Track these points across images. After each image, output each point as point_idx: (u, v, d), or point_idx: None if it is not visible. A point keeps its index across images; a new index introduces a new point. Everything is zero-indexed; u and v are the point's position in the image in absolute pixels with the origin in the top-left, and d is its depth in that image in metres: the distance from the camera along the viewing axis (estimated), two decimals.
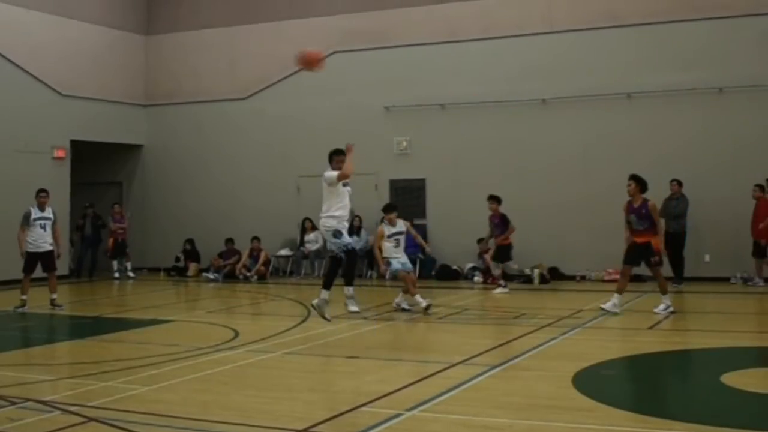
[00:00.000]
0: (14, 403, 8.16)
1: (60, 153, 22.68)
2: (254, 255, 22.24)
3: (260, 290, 19.90)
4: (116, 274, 22.96)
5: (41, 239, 15.74)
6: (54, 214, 16.21)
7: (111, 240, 23.36)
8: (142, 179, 25.35)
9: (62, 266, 22.32)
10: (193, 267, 23.27)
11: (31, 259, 15.68)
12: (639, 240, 14.02)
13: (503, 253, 18.13)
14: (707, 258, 19.27)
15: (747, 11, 19.28)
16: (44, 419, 7.64)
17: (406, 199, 21.81)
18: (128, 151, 25.32)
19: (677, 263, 18.31)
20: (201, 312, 15.52)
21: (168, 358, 10.53)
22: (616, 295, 14.04)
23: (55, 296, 16.12)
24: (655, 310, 13.95)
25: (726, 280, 18.82)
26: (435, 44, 21.91)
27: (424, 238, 21.49)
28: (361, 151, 21.95)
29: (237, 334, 12.44)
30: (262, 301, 18.56)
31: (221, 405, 8.18)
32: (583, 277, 20.01)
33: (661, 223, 15.18)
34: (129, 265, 23.36)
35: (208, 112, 24.49)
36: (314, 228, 22.18)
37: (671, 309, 13.97)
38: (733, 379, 8.84)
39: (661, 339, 12.28)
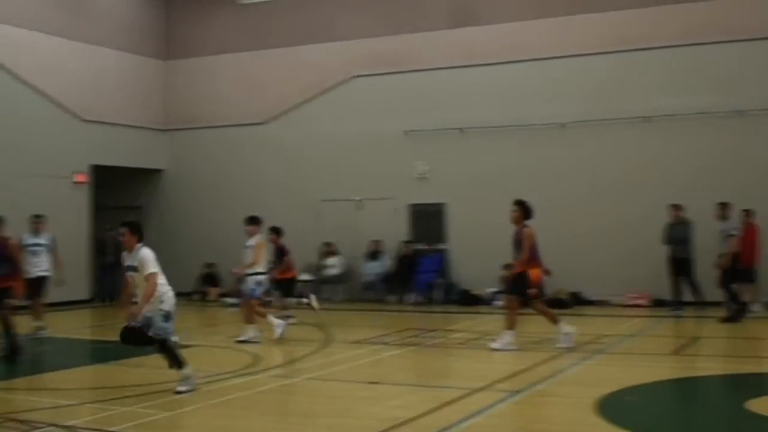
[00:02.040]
0: (37, 428, 8.19)
1: (80, 178, 22.79)
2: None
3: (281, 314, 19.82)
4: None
5: (32, 265, 15.37)
6: (52, 240, 16.11)
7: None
8: (161, 204, 25.42)
9: (84, 291, 22.52)
10: (213, 291, 23.27)
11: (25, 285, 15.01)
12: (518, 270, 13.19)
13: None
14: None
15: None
16: None
17: (426, 223, 21.81)
18: (148, 175, 25.43)
19: (693, 289, 18.04)
20: (221, 337, 15.49)
21: None
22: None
23: (39, 323, 15.72)
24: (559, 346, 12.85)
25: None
26: (454, 68, 21.90)
27: (444, 262, 21.50)
28: (381, 175, 22.23)
29: (257, 359, 12.43)
30: None
31: (241, 430, 8.18)
32: (604, 302, 19.85)
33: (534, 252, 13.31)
34: None
35: (227, 137, 24.58)
36: (334, 252, 22.21)
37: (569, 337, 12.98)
38: (757, 405, 8.76)
39: (683, 365, 12.20)
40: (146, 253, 9.75)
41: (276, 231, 17.15)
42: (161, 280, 9.73)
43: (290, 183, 23.51)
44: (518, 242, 13.16)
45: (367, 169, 22.54)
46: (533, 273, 13.02)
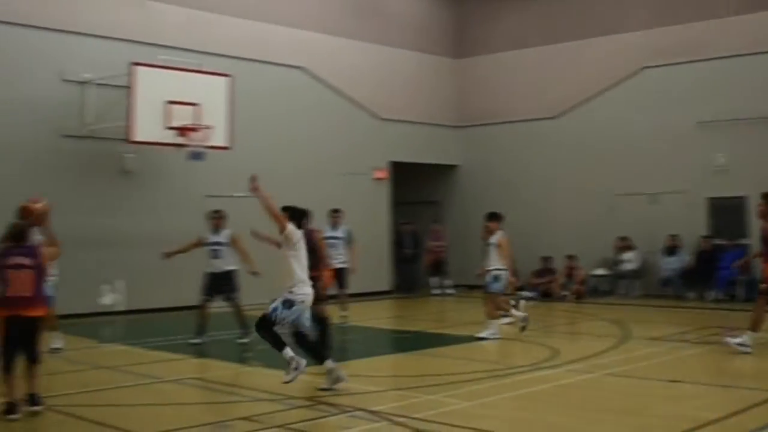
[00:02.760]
0: (345, 412, 8.66)
1: (380, 174, 23.76)
2: (570, 274, 22.11)
3: (577, 310, 19.74)
4: (436, 291, 23.60)
5: (331, 257, 14.83)
6: (348, 232, 16.63)
7: (429, 258, 24.09)
8: (458, 198, 25.93)
9: (385, 282, 23.45)
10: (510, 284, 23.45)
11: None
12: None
13: None
14: None
15: None
16: (373, 428, 8.05)
17: (726, 217, 20.88)
18: (444, 171, 26.04)
19: None
20: (519, 330, 15.64)
21: (488, 375, 10.74)
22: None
23: (344, 313, 16.16)
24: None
25: None
26: (749, 55, 20.76)
27: (745, 258, 20.45)
28: (675, 168, 21.54)
29: (556, 353, 12.45)
30: (579, 320, 18.40)
31: (542, 424, 8.25)
32: None
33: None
34: (448, 282, 23.92)
35: (519, 132, 24.69)
36: (630, 247, 21.78)
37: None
38: None
39: None
40: None
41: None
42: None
43: (582, 177, 23.27)
44: (765, 238, 12.35)
45: (660, 161, 21.89)
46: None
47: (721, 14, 21.32)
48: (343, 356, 13.40)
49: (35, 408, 8.63)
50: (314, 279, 12.91)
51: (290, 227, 9.80)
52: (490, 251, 14.59)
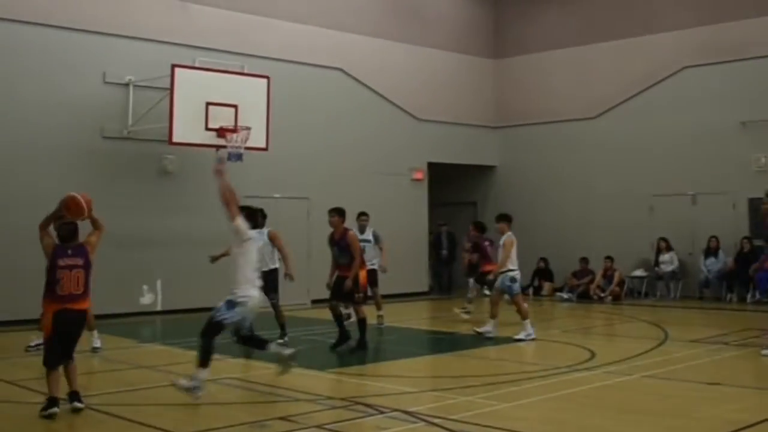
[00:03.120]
0: (382, 413, 8.68)
1: (418, 175, 23.79)
2: (608, 275, 21.99)
3: (614, 311, 19.65)
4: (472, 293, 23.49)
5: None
6: (374, 235, 16.42)
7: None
8: (496, 199, 25.87)
9: (423, 283, 23.48)
10: (547, 286, 23.41)
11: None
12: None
13: None
14: None
15: None
16: (409, 429, 8.06)
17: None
18: (482, 171, 26.01)
19: None
20: (556, 331, 15.59)
21: (526, 376, 10.74)
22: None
23: (380, 312, 16.33)
24: None
25: None
26: None
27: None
28: (716, 168, 21.34)
29: (593, 354, 12.41)
30: (616, 322, 18.30)
31: (579, 426, 8.22)
32: None
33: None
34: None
35: (558, 133, 24.61)
36: (669, 248, 21.63)
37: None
38: None
39: None
40: None
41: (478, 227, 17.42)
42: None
43: (621, 178, 23.14)
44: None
45: (700, 162, 21.72)
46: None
47: (762, 13, 21.10)
48: (380, 357, 13.54)
49: (76, 405, 8.76)
50: (342, 279, 13.07)
51: (241, 221, 9.48)
52: (501, 252, 14.71)
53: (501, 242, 14.67)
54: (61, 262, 8.83)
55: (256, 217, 10.68)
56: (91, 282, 9.07)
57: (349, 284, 12.89)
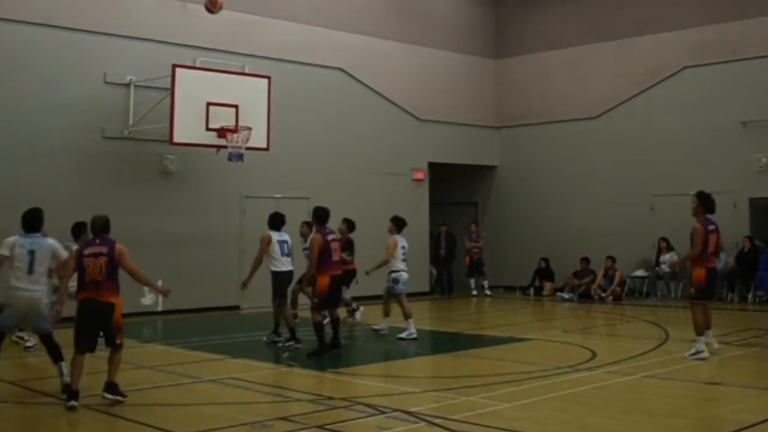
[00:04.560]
0: (383, 413, 8.68)
1: (419, 175, 23.77)
2: (609, 275, 21.97)
3: (615, 311, 19.63)
4: (473, 292, 23.56)
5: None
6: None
7: (467, 258, 24.06)
8: (496, 199, 25.87)
9: (424, 283, 23.46)
10: (548, 286, 23.39)
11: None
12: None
13: None
14: None
15: None
16: (410, 429, 8.05)
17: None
18: (482, 172, 25.98)
19: None
20: (557, 331, 15.59)
21: (526, 376, 10.71)
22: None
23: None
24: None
25: None
26: None
27: None
28: (717, 168, 21.31)
29: (594, 354, 12.40)
30: (617, 322, 18.27)
31: (580, 426, 8.22)
32: None
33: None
34: (486, 284, 23.86)
35: (558, 133, 24.57)
36: (670, 248, 21.59)
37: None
38: None
39: None
40: None
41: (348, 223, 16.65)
42: None
43: (622, 178, 23.11)
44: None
45: (701, 162, 21.65)
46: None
47: (762, 13, 21.08)
48: (380, 357, 13.51)
49: (111, 397, 9.02)
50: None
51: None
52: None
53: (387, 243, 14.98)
54: (87, 251, 9.17)
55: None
56: (119, 278, 9.29)
57: (301, 287, 13.05)
